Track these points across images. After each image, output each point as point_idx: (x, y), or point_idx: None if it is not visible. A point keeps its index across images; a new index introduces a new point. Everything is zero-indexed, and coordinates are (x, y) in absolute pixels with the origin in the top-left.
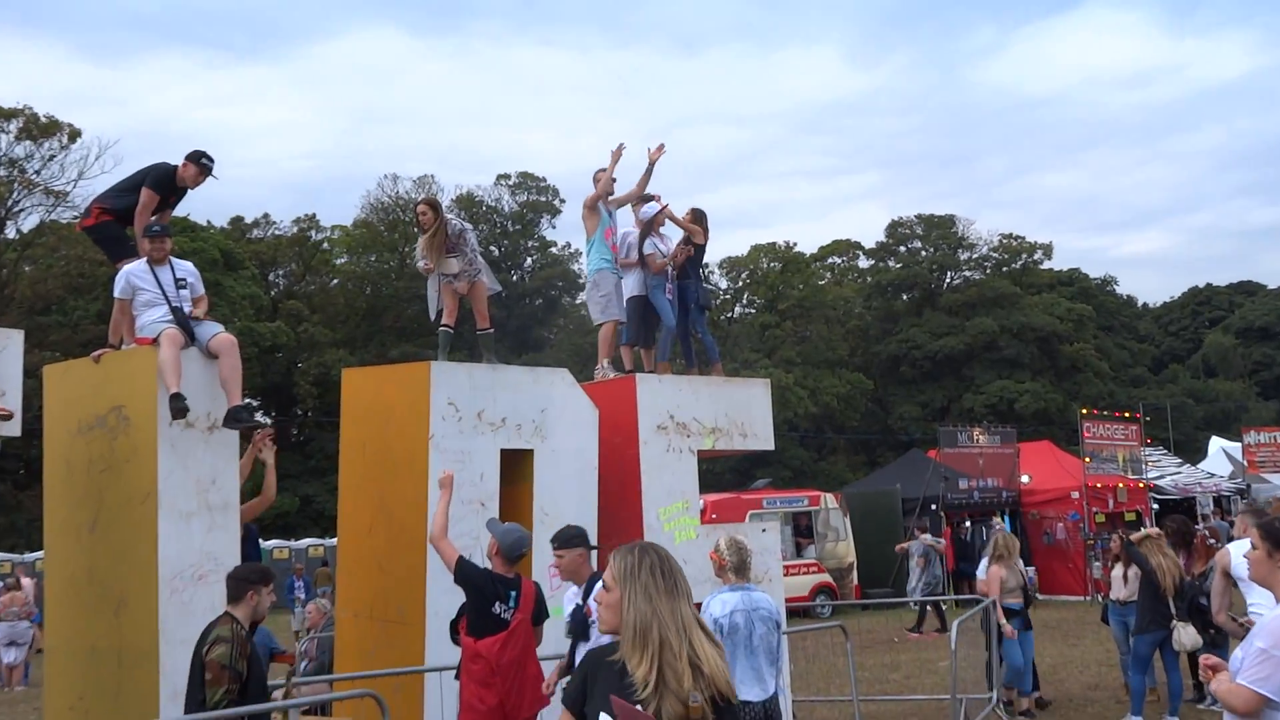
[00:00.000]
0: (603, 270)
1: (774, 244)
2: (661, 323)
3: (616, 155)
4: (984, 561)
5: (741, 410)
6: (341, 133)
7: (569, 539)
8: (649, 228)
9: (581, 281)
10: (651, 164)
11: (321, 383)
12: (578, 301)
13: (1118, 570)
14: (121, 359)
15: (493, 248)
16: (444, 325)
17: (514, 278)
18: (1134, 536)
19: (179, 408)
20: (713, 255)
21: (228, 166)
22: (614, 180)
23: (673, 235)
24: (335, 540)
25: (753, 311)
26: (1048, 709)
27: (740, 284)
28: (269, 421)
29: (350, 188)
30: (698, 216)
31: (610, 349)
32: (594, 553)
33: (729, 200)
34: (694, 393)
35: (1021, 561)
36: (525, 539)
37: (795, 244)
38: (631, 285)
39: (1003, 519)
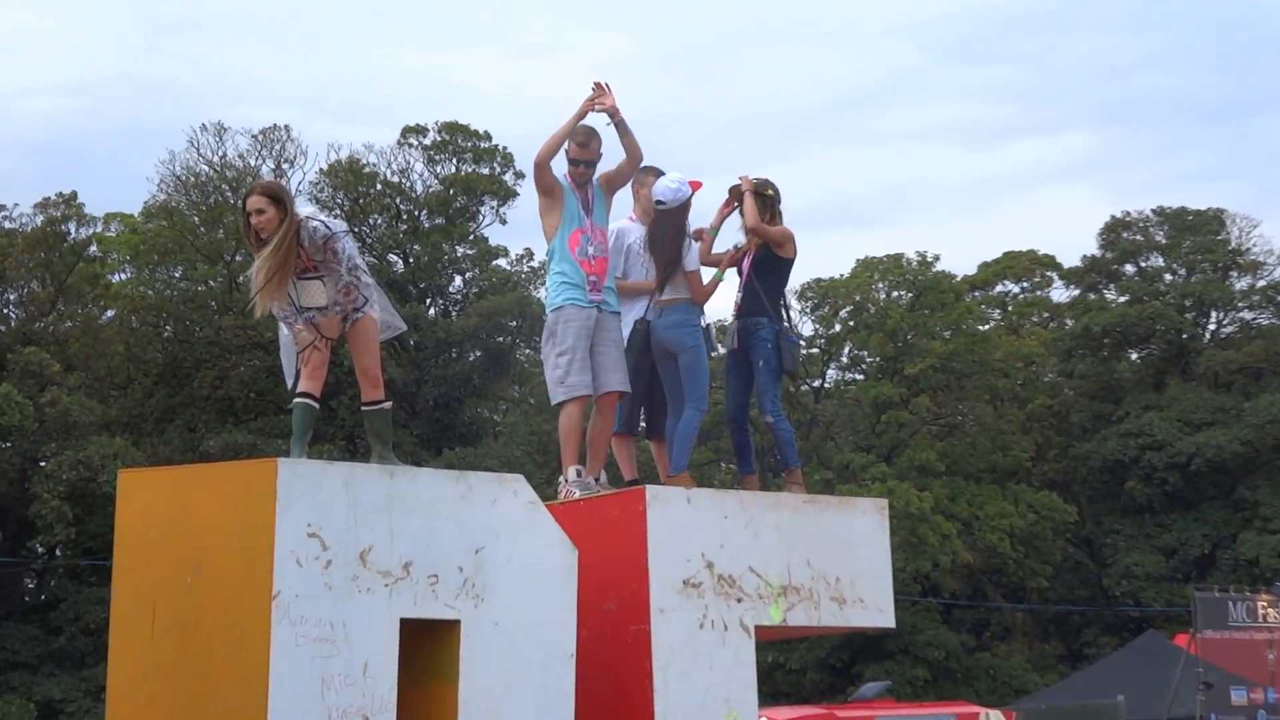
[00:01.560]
0: (565, 307)
1: (899, 258)
2: (686, 400)
3: (592, 101)
4: None
5: (837, 555)
6: (129, 51)
7: None
8: (669, 222)
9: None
10: (615, 120)
11: (81, 495)
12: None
13: None
14: None
15: (393, 258)
16: (302, 395)
17: (431, 311)
18: None
19: None
20: None
21: None
22: (584, 137)
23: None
24: None
25: (859, 378)
26: None
27: (835, 329)
28: None
29: (140, 148)
30: (762, 196)
31: (579, 451)
32: None
33: (812, 180)
34: (750, 522)
35: None
36: None
37: (936, 258)
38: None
39: None
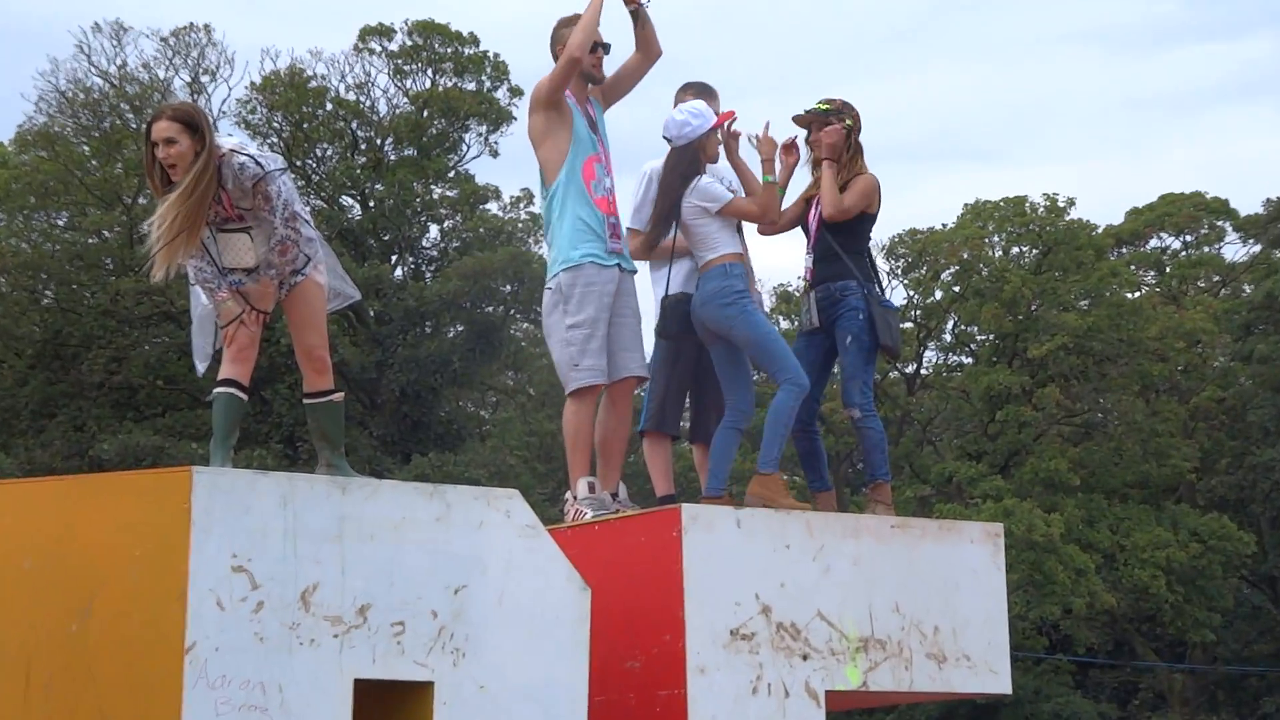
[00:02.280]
0: (585, 265)
1: (1020, 202)
2: (777, 381)
3: None
4: None
5: (936, 598)
6: None
7: None
8: (672, 165)
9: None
10: (633, 6)
11: None
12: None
13: None
14: None
15: (348, 201)
16: (225, 383)
17: (398, 272)
18: None
19: None
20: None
21: None
22: (599, 44)
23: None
24: None
25: (966, 362)
26: None
27: (935, 297)
28: None
29: (12, 54)
30: (840, 119)
31: (589, 457)
32: None
33: (907, 101)
34: (821, 553)
35: None
36: None
37: (1071, 203)
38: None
39: None
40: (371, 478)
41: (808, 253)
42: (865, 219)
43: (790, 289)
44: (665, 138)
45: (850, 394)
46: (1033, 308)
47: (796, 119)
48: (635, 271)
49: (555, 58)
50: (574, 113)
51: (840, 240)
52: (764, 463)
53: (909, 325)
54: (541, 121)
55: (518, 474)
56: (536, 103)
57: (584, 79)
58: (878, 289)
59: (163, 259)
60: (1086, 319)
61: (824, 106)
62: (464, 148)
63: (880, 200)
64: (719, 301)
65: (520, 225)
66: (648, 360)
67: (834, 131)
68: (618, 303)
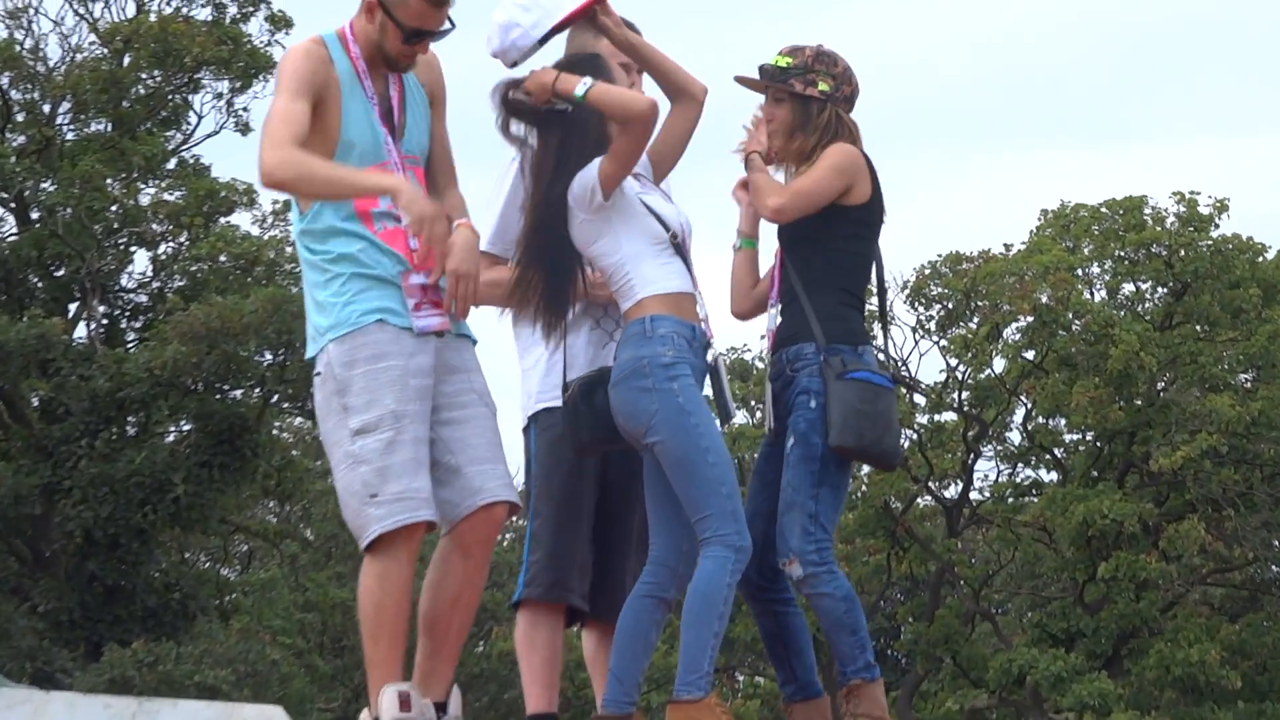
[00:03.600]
0: (368, 328)
1: (1137, 204)
2: (663, 525)
3: None
4: None
5: None
6: None
7: None
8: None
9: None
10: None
11: None
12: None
13: None
14: None
15: None
16: None
17: (80, 330)
18: None
19: None
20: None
21: None
22: (421, 31)
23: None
24: None
25: (1049, 478)
26: None
27: (993, 369)
28: None
29: None
30: (805, 81)
31: (400, 650)
32: None
33: (922, 42)
34: None
35: None
36: None
37: (1222, 207)
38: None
39: None
40: (33, 688)
41: (771, 299)
42: (848, 221)
43: (750, 357)
44: (522, 96)
45: (786, 535)
46: (1159, 387)
47: (743, 81)
48: (474, 340)
49: None
50: (347, 98)
51: (802, 264)
52: (686, 684)
53: (949, 416)
54: (284, 97)
55: (284, 676)
56: (279, 86)
57: (384, 64)
58: (855, 351)
59: None
60: (1250, 405)
61: (784, 61)
62: (188, 121)
63: (872, 184)
64: (632, 384)
65: (290, 250)
66: (520, 478)
67: (763, 124)
68: (446, 384)
